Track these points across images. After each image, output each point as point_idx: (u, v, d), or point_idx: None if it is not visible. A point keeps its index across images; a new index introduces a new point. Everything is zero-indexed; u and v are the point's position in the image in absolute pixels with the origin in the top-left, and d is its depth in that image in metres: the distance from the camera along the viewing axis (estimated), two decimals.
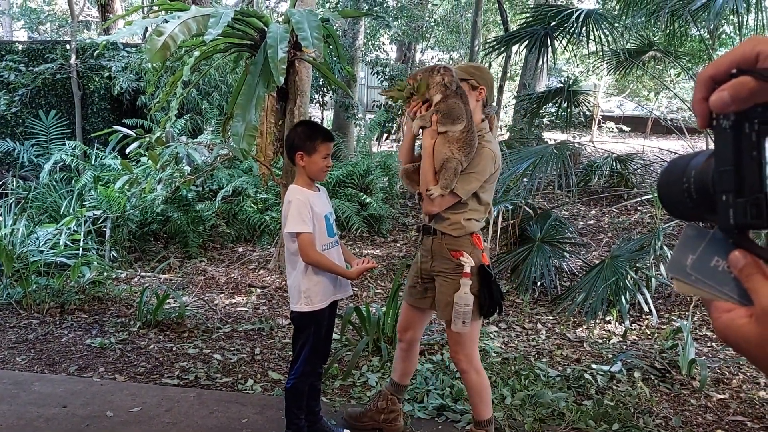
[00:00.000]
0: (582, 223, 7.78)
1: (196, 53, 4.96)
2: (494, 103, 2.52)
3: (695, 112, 0.60)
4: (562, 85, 7.66)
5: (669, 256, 5.09)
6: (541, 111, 8.58)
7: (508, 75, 14.64)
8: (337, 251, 2.72)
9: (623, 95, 18.55)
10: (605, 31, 6.71)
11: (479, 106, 2.51)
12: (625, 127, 16.50)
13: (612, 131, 16.77)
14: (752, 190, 0.55)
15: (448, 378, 3.57)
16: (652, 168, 8.93)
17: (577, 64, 14.96)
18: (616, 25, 7.37)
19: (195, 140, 6.42)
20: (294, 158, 2.63)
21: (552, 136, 11.71)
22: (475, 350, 2.57)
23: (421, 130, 2.49)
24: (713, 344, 4.36)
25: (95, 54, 8.41)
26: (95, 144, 7.72)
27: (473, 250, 2.51)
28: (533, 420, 3.14)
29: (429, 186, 2.44)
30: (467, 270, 2.46)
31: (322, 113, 10.73)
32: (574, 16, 6.67)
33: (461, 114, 2.36)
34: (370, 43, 11.49)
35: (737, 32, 6.51)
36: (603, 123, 16.48)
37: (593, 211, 8.31)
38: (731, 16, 6.47)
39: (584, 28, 6.66)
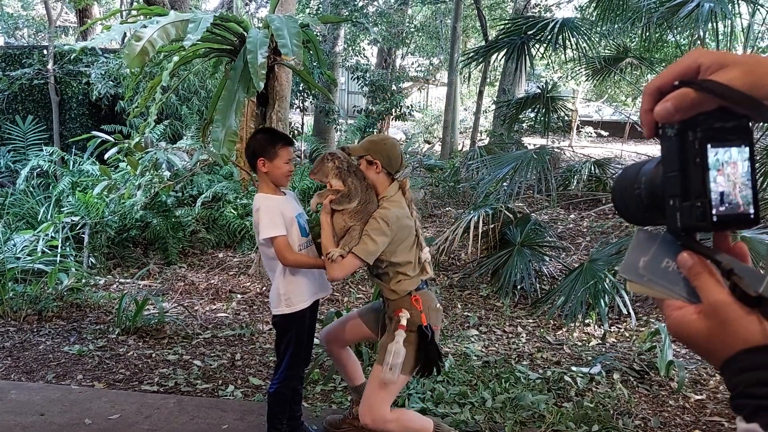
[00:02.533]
0: (561, 226, 7.86)
1: (175, 58, 4.93)
2: (405, 169, 2.62)
3: (642, 122, 0.64)
4: (540, 91, 7.74)
5: None
6: (520, 116, 8.68)
7: (488, 80, 14.76)
8: (312, 250, 2.73)
9: (601, 101, 18.78)
10: (581, 39, 6.80)
11: (381, 176, 2.58)
12: (603, 132, 16.70)
13: (590, 136, 16.97)
14: (697, 194, 0.59)
15: (429, 382, 3.59)
16: None
17: (556, 70, 15.13)
18: (593, 32, 7.46)
19: (174, 146, 6.38)
20: (256, 165, 2.64)
21: (531, 141, 11.81)
22: (386, 409, 2.58)
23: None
24: None
25: (73, 59, 8.33)
26: (73, 150, 7.64)
27: (412, 310, 2.57)
28: (514, 422, 3.16)
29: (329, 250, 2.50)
30: (403, 322, 2.53)
31: (302, 118, 10.73)
32: (551, 26, 6.75)
33: (356, 191, 2.51)
34: (350, 48, 11.51)
35: (713, 38, 6.61)
36: (582, 128, 16.67)
37: (572, 215, 8.40)
38: (711, 24, 6.58)
39: (561, 37, 6.74)
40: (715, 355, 0.59)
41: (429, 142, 15.19)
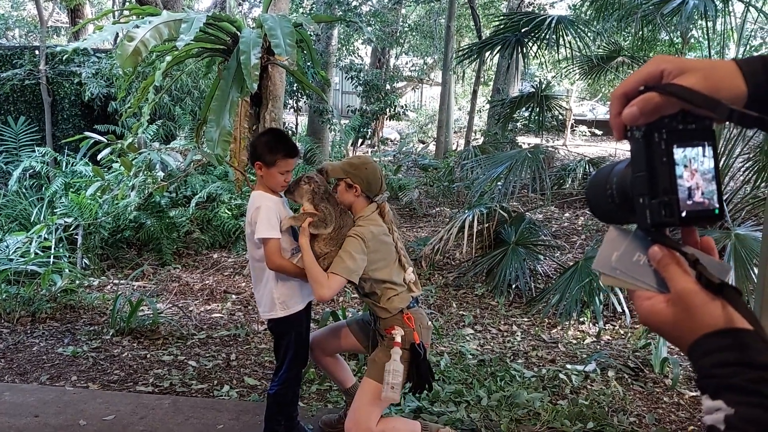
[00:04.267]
0: (556, 225, 7.87)
1: (168, 58, 4.92)
2: (384, 194, 2.64)
3: (612, 126, 0.67)
4: (534, 90, 7.76)
5: None
6: (514, 116, 8.70)
7: (482, 80, 14.78)
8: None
9: (595, 99, 18.83)
10: (576, 37, 6.81)
11: (360, 199, 2.60)
12: (597, 131, 16.75)
13: (585, 135, 17.01)
14: (665, 191, 0.62)
15: None
16: None
17: (550, 69, 15.15)
18: (587, 30, 7.48)
19: (168, 146, 6.36)
20: (254, 165, 2.62)
21: (526, 140, 11.83)
22: (373, 422, 2.57)
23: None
24: None
25: (65, 59, 8.29)
26: (66, 150, 7.60)
27: (405, 329, 2.58)
28: (509, 420, 3.17)
29: (316, 276, 2.49)
30: (398, 339, 2.54)
31: (296, 118, 10.73)
32: (546, 23, 6.76)
33: (330, 217, 2.55)
34: (344, 48, 11.51)
35: (705, 36, 6.64)
36: (576, 127, 16.71)
37: (567, 214, 8.42)
38: (700, 21, 6.60)
39: (555, 35, 6.75)
40: (683, 339, 0.63)
41: (423, 142, 15.19)
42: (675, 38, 9.51)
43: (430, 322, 2.72)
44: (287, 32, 4.54)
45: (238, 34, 4.94)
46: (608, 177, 0.72)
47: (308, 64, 6.24)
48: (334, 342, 2.93)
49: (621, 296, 4.87)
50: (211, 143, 4.75)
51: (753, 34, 10.80)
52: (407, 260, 2.70)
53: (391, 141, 15.89)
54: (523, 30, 6.95)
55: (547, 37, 6.76)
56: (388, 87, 12.31)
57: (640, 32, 7.69)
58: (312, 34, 10.26)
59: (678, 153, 0.62)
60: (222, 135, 4.84)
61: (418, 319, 2.63)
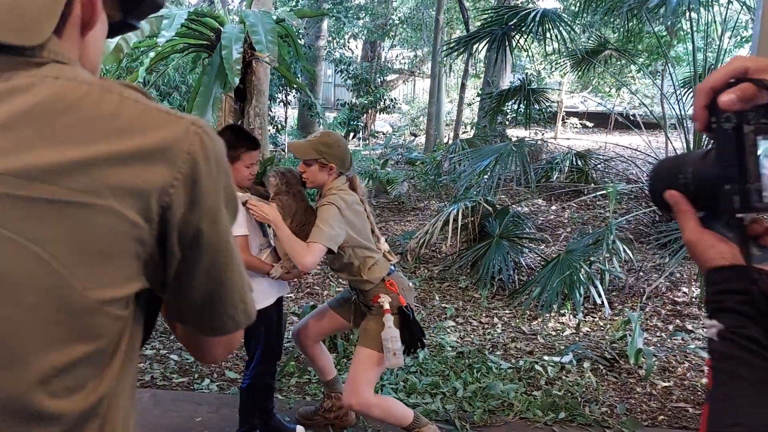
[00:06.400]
0: (542, 218, 7.92)
1: (152, 54, 4.94)
2: (352, 167, 2.76)
3: (696, 117, 0.74)
4: (521, 84, 7.80)
5: (621, 249, 5.24)
6: (503, 109, 8.73)
7: (474, 72, 14.79)
8: (273, 251, 2.76)
9: (587, 91, 18.85)
10: (562, 30, 6.84)
11: (333, 176, 2.65)
12: (588, 123, 16.77)
13: (576, 127, 17.04)
14: (754, 179, 0.68)
15: (402, 373, 3.64)
16: (612, 164, 9.15)
17: (540, 62, 15.17)
18: (574, 23, 7.52)
19: None
20: None
21: (517, 133, 11.87)
22: (370, 391, 2.64)
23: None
24: (662, 334, 4.50)
25: None
26: None
27: (390, 294, 2.65)
28: (483, 411, 3.23)
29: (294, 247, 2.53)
30: (386, 307, 2.61)
31: (285, 112, 10.75)
32: (531, 16, 6.78)
33: (289, 210, 2.63)
34: (334, 41, 11.52)
35: (695, 29, 6.68)
36: (567, 119, 16.74)
37: (554, 206, 8.47)
38: (688, 13, 6.64)
39: (541, 28, 6.78)
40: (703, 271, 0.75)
41: (415, 135, 15.22)
42: (661, 31, 9.56)
43: (410, 283, 2.80)
44: (269, 28, 4.57)
45: (221, 29, 4.97)
46: (681, 167, 0.78)
47: (294, 57, 6.25)
48: (319, 325, 2.98)
49: (601, 289, 4.93)
50: None
51: (744, 25, 10.85)
52: (379, 232, 2.79)
53: (384, 134, 15.92)
54: (509, 23, 6.98)
55: (533, 30, 6.79)
56: (379, 80, 12.32)
57: (626, 26, 7.73)
58: (300, 27, 10.28)
59: (763, 145, 0.68)
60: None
61: (399, 282, 2.70)
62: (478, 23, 10.34)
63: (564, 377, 3.73)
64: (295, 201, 2.66)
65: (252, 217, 2.61)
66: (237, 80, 4.52)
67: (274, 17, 4.86)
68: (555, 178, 8.55)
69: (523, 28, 6.87)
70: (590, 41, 8.42)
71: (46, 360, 0.61)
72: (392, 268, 2.74)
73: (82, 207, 0.61)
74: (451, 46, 7.53)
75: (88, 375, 0.66)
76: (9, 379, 0.60)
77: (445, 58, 10.15)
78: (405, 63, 16.37)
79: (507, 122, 10.85)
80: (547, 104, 8.87)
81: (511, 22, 6.93)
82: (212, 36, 5.20)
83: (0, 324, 0.60)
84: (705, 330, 0.67)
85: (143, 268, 0.68)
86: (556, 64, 10.24)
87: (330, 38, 11.54)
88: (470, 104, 11.57)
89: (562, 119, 15.81)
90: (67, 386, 0.64)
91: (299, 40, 10.33)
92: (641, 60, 10.91)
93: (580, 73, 8.86)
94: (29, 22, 0.64)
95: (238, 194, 2.64)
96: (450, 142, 10.80)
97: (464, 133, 11.45)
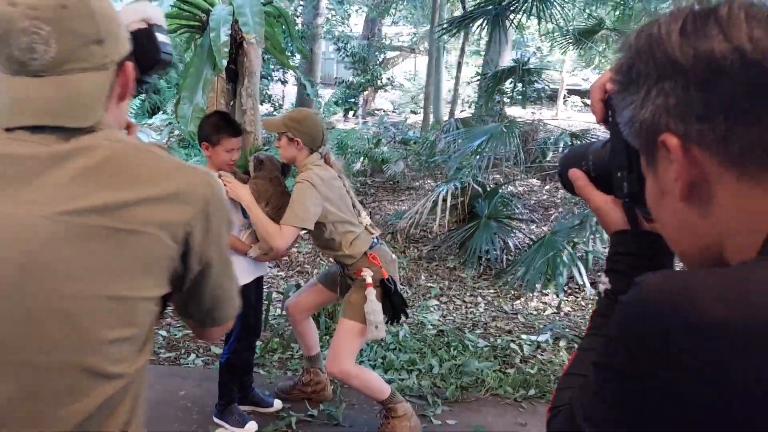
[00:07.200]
0: (535, 198, 8.00)
1: None
2: (326, 146, 2.82)
3: (594, 110, 0.82)
4: (515, 65, 7.80)
5: (604, 231, 5.31)
6: (501, 88, 8.74)
7: (477, 49, 14.72)
8: (252, 232, 2.85)
9: (590, 68, 18.72)
10: (555, 11, 6.84)
11: (303, 152, 2.71)
12: (589, 101, 16.71)
13: (577, 105, 17.00)
14: (639, 168, 0.75)
15: (381, 350, 3.77)
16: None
17: (542, 41, 15.08)
18: (567, 3, 7.51)
19: (144, 122, 6.47)
20: (201, 145, 2.76)
21: (517, 113, 11.88)
22: (351, 361, 2.75)
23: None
24: None
25: None
26: None
27: (372, 268, 2.73)
28: (455, 387, 3.35)
29: (267, 229, 2.62)
30: (369, 280, 2.69)
31: (282, 91, 10.79)
32: None
33: (264, 193, 2.71)
34: (333, 18, 11.50)
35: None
36: (568, 97, 16.69)
37: (547, 186, 8.53)
38: None
39: (534, 8, 6.78)
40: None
41: (415, 112, 15.23)
42: (662, 9, 9.51)
43: (393, 255, 2.89)
44: (256, 11, 4.62)
45: (211, 10, 5.02)
46: (584, 154, 0.86)
47: (287, 38, 6.29)
48: (309, 299, 3.10)
49: (583, 270, 5.02)
50: (185, 119, 4.86)
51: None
52: (360, 206, 2.88)
53: (385, 112, 15.92)
54: (502, 3, 6.98)
55: (525, 10, 6.80)
56: (379, 58, 12.30)
57: (630, 6, 7.72)
58: (297, 5, 10.27)
59: None
60: (195, 111, 4.94)
61: (382, 256, 2.79)
62: (474, 1, 10.32)
63: (539, 356, 3.85)
64: (272, 185, 2.75)
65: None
66: (225, 63, 4.59)
67: None
68: (550, 157, 8.60)
69: (516, 8, 6.88)
70: (583, 22, 8.38)
71: (103, 335, 0.87)
72: (374, 241, 2.82)
73: (134, 233, 0.87)
74: (444, 26, 7.53)
75: (131, 351, 0.92)
76: (81, 347, 0.87)
77: (438, 39, 10.13)
78: (405, 40, 16.31)
79: (505, 102, 10.85)
80: (544, 84, 8.89)
81: (504, 1, 6.93)
82: (203, 17, 5.24)
83: (75, 310, 0.86)
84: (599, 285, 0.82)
85: (170, 278, 0.95)
86: (554, 42, 10.21)
87: (329, 15, 11.52)
88: (469, 82, 11.56)
89: (564, 98, 15.76)
90: (118, 357, 0.90)
91: (296, 18, 10.35)
92: None
93: (581, 51, 8.84)
94: (84, 111, 0.90)
95: (215, 172, 2.74)
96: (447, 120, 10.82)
97: (462, 111, 11.46)
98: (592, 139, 7.21)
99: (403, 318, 2.85)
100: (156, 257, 0.91)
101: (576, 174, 0.86)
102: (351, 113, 12.45)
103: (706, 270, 0.57)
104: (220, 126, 2.70)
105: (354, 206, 2.83)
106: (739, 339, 0.47)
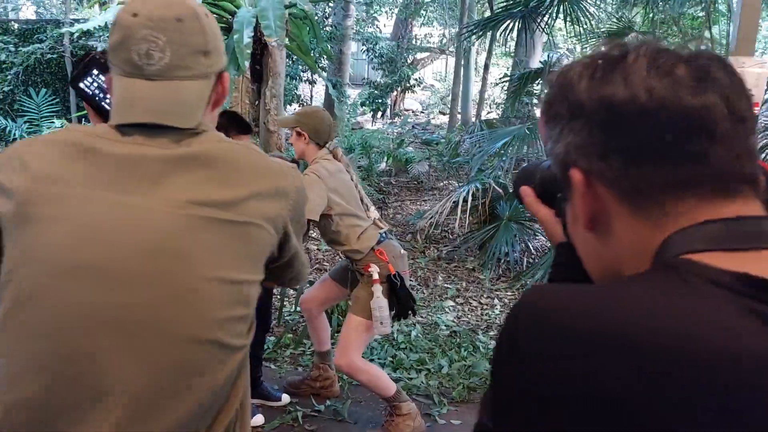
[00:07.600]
0: None
1: None
2: (334, 141, 2.92)
3: (541, 134, 0.84)
4: (542, 66, 7.76)
5: None
6: (529, 89, 8.70)
7: (506, 51, 14.62)
8: None
9: None
10: (581, 15, 6.80)
11: (311, 146, 2.80)
12: None
13: None
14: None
15: (392, 349, 3.81)
16: None
17: (574, 43, 14.92)
18: (596, 5, 7.44)
19: None
20: None
21: None
22: (358, 355, 2.79)
23: None
24: None
25: (73, 37, 8.57)
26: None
27: (379, 263, 2.76)
28: (462, 388, 3.37)
29: None
30: (375, 277, 2.73)
31: (311, 91, 10.89)
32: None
33: None
34: (362, 20, 11.57)
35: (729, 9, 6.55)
36: None
37: None
38: None
39: (562, 11, 6.76)
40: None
41: (444, 113, 15.23)
42: (696, 12, 9.34)
43: (402, 250, 2.90)
44: (278, 14, 4.71)
45: (236, 12, 5.13)
46: (533, 173, 0.93)
47: (313, 39, 6.37)
48: (322, 295, 3.16)
49: None
50: None
51: None
52: (368, 200, 2.92)
53: (413, 112, 15.96)
54: (529, 5, 6.96)
55: (552, 14, 6.77)
56: (408, 59, 12.32)
57: (661, 9, 7.60)
58: (326, 7, 10.37)
59: None
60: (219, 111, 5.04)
61: (389, 251, 2.81)
62: (502, 2, 10.27)
63: None
64: None
65: None
66: (247, 64, 4.68)
67: (286, 2, 4.99)
68: None
69: (543, 11, 6.85)
70: (611, 25, 8.29)
71: (220, 313, 0.97)
72: (383, 235, 2.84)
73: (247, 225, 0.99)
74: (470, 29, 7.53)
75: (243, 329, 1.03)
76: (204, 322, 0.96)
77: (470, 38, 10.13)
78: (436, 41, 16.33)
79: (534, 104, 10.77)
80: None
81: (531, 4, 6.91)
82: (230, 19, 5.36)
83: (196, 290, 0.95)
84: None
85: (266, 263, 1.07)
86: (584, 44, 10.11)
87: (359, 17, 11.60)
88: (497, 84, 11.53)
89: None
90: (234, 332, 1.00)
91: (325, 19, 10.45)
92: (675, 41, 10.67)
93: None
94: (190, 112, 1.00)
95: None
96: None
97: (490, 113, 11.41)
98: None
99: (411, 314, 2.88)
100: (263, 246, 1.03)
101: (525, 191, 0.91)
102: (380, 114, 12.52)
103: (589, 285, 0.62)
104: (229, 125, 2.77)
105: (362, 200, 2.88)
106: (582, 344, 0.51)
